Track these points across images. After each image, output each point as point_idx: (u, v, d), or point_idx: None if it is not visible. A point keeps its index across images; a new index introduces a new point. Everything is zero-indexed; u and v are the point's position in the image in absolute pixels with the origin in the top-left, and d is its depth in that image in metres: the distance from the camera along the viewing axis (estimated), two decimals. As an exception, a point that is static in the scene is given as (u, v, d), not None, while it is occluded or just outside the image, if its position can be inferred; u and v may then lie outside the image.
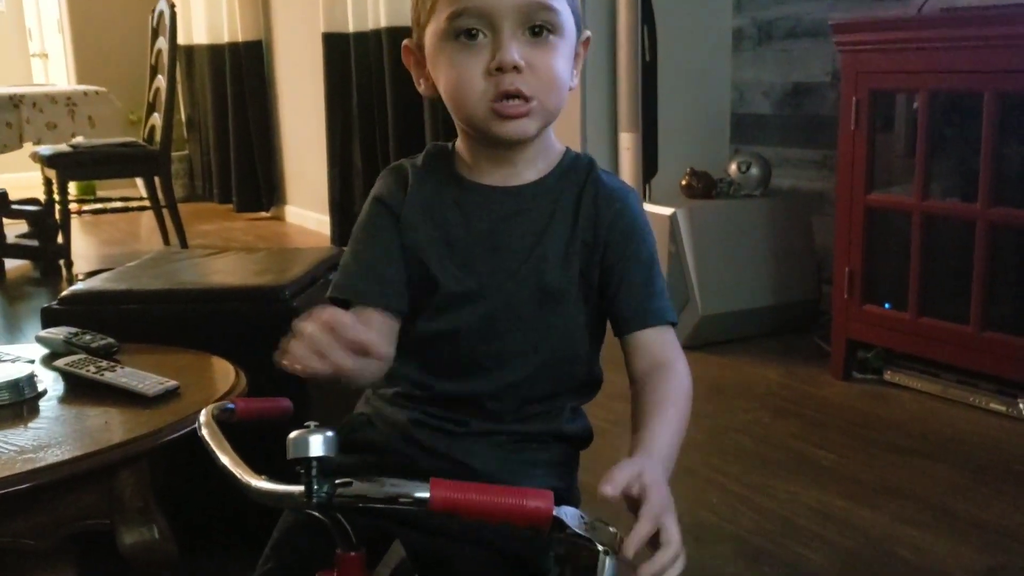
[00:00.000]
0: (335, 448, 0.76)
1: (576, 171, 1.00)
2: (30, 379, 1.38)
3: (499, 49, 0.89)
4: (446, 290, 0.97)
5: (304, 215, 5.33)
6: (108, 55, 6.24)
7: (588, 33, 0.99)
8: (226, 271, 1.96)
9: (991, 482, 2.07)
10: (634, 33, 3.10)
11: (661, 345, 0.96)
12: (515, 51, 0.89)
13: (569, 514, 0.71)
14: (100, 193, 5.82)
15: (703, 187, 3.02)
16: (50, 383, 1.43)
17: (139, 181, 5.56)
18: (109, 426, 1.28)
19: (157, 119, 4.50)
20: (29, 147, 4.23)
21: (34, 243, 4.31)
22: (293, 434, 0.76)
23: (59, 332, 1.58)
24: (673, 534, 0.74)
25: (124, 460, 1.23)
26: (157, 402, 1.33)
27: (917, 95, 2.44)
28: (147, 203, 4.72)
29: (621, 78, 3.17)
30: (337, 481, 0.75)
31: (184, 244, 4.47)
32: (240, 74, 5.52)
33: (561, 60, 0.92)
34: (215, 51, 5.66)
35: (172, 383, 1.37)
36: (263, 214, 5.65)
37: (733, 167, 3.06)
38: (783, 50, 3.33)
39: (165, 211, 4.57)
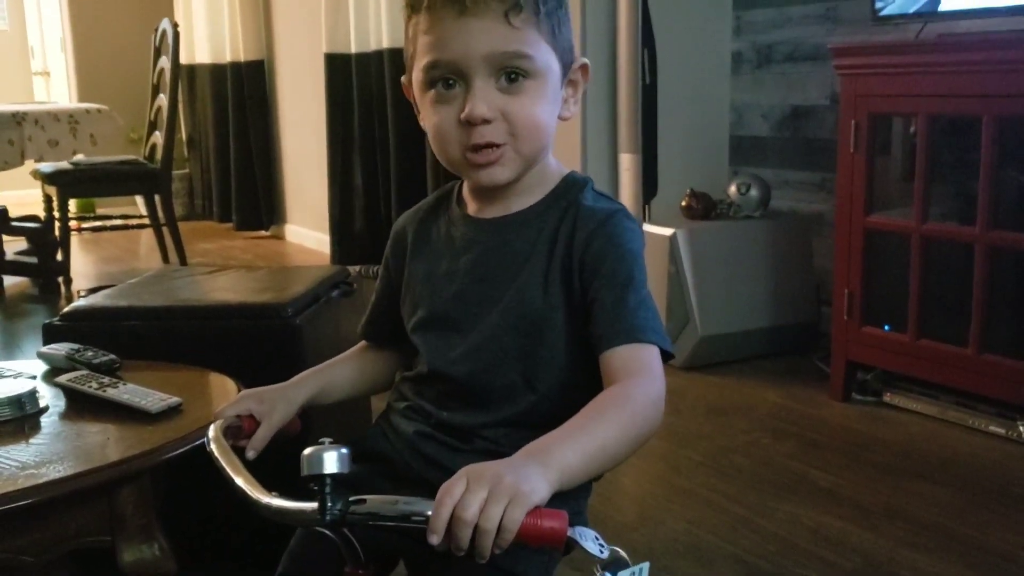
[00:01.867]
0: (349, 465, 0.76)
1: (566, 196, 0.99)
2: (32, 395, 1.38)
3: (469, 101, 0.91)
4: (434, 323, 1.01)
5: (304, 234, 5.34)
6: (110, 73, 6.27)
7: (584, 61, 1.00)
8: (228, 288, 1.96)
9: (991, 505, 2.07)
10: (634, 56, 3.13)
11: (627, 364, 0.89)
12: (483, 103, 0.91)
13: (584, 535, 0.71)
14: (100, 211, 5.83)
15: (703, 208, 3.04)
16: (52, 399, 1.42)
17: (139, 199, 5.58)
18: (110, 443, 1.27)
19: (158, 137, 4.52)
20: (30, 164, 4.25)
21: (33, 260, 4.31)
22: (307, 451, 0.77)
23: (61, 348, 1.58)
24: (450, 489, 0.70)
25: (125, 477, 1.22)
26: (159, 419, 1.33)
27: (915, 119, 2.46)
28: (147, 221, 4.73)
29: (621, 100, 3.19)
30: (351, 499, 0.75)
31: (184, 262, 4.48)
32: (242, 93, 5.54)
33: (538, 103, 0.93)
34: (217, 70, 5.69)
35: (175, 399, 1.37)
36: (263, 233, 5.66)
37: (733, 188, 3.07)
38: (782, 73, 3.36)
39: (165, 229, 4.58)
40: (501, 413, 0.97)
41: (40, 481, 1.15)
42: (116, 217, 5.04)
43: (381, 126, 4.20)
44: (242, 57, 5.50)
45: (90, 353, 1.55)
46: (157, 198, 4.50)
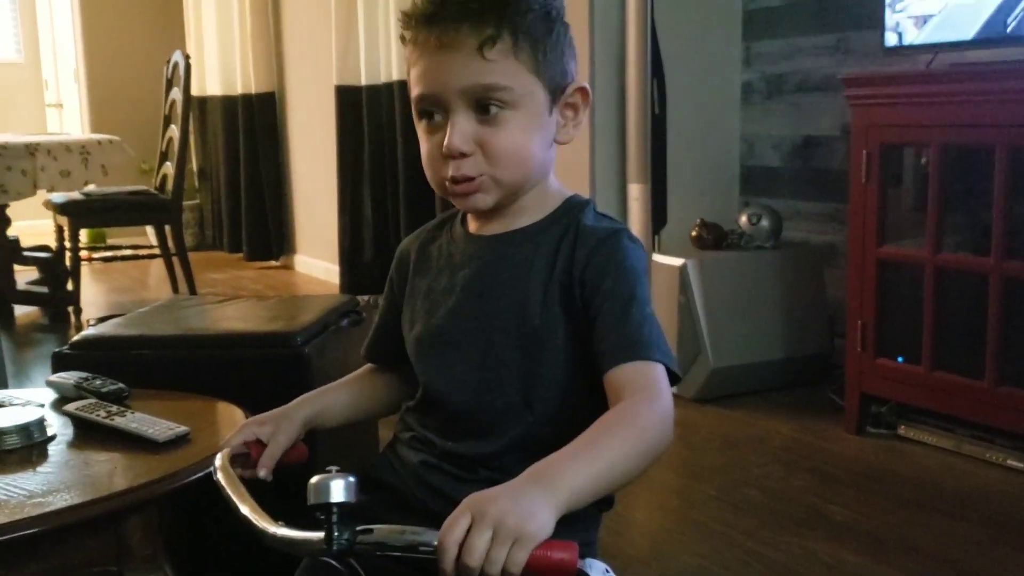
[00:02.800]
0: (356, 494, 0.75)
1: (567, 216, 1.00)
2: (40, 423, 1.37)
3: (447, 134, 0.94)
4: (431, 339, 1.02)
5: (313, 264, 5.34)
6: (122, 105, 6.32)
7: (582, 84, 1.00)
8: (237, 317, 1.96)
9: (1009, 540, 2.03)
10: (643, 86, 3.13)
11: (633, 381, 0.87)
12: (459, 137, 0.93)
13: (594, 567, 0.69)
14: (110, 241, 5.85)
15: (714, 238, 3.02)
16: (60, 427, 1.41)
17: (149, 229, 5.60)
18: (118, 472, 1.26)
19: (169, 168, 4.54)
20: (42, 194, 4.27)
21: (44, 290, 4.32)
22: (314, 479, 0.76)
23: (69, 377, 1.57)
24: (453, 528, 0.70)
25: (132, 506, 1.21)
26: (167, 448, 1.32)
27: (928, 149, 2.45)
28: (157, 251, 4.74)
29: (630, 130, 3.19)
30: (359, 528, 0.74)
31: (193, 292, 4.48)
32: (252, 125, 5.58)
33: (519, 133, 0.94)
34: (228, 102, 5.73)
35: (183, 429, 1.35)
36: (273, 263, 5.67)
37: (744, 219, 3.06)
38: (793, 104, 3.36)
39: (175, 259, 4.59)
40: (504, 439, 0.96)
41: (47, 510, 1.13)
42: (126, 247, 5.05)
43: (391, 157, 4.21)
44: (253, 89, 5.54)
45: (98, 382, 1.54)
46: (168, 228, 4.52)
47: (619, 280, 0.93)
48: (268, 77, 5.53)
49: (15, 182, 3.89)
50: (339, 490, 0.75)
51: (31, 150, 3.96)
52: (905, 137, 2.54)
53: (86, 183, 4.19)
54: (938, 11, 2.49)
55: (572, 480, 0.75)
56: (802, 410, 2.87)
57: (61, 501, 1.16)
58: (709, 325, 2.89)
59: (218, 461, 0.97)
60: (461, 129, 0.93)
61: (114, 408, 1.42)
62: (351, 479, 0.76)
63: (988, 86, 2.30)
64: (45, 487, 1.20)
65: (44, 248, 4.57)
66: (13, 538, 1.09)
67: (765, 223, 3.04)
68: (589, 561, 0.70)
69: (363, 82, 4.32)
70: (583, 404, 0.93)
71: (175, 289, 4.70)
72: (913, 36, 2.56)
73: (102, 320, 1.93)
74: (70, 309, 4.23)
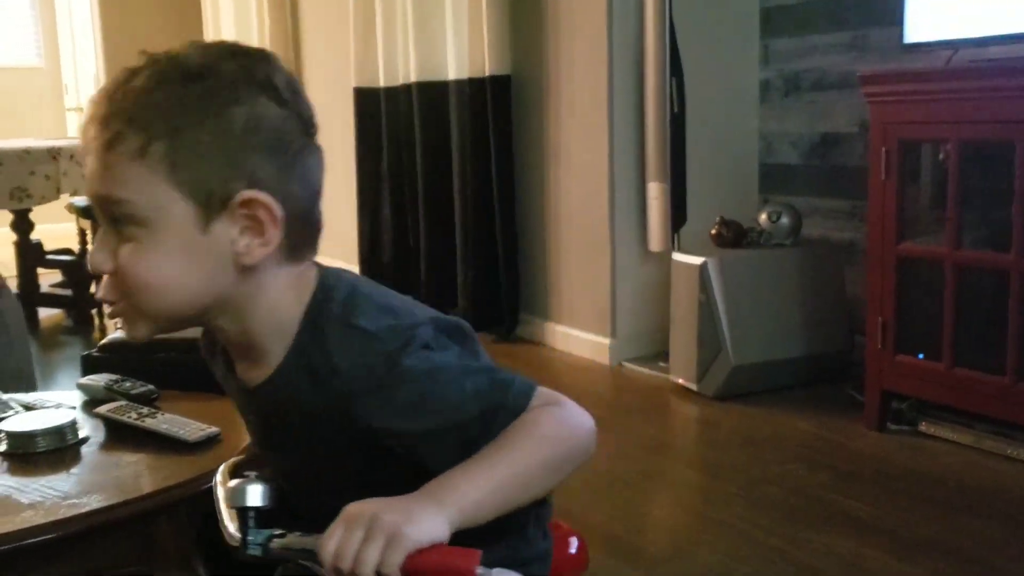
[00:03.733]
0: (270, 499, 0.78)
1: (309, 354, 0.82)
2: (72, 426, 1.40)
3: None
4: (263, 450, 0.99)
5: (333, 265, 5.37)
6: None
7: (250, 195, 0.77)
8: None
9: (1032, 536, 2.03)
10: (662, 85, 3.14)
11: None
12: (98, 253, 0.79)
13: None
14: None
15: (733, 236, 3.03)
16: (91, 429, 1.44)
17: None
18: (149, 473, 1.29)
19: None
20: (65, 198, 4.32)
21: (68, 292, 4.37)
22: (232, 483, 0.79)
23: (100, 379, 1.60)
24: (330, 535, 0.69)
25: (163, 507, 1.23)
26: (198, 448, 1.35)
27: (946, 145, 2.45)
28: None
29: (649, 129, 3.20)
30: (276, 533, 0.77)
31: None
32: (271, 127, 5.62)
33: (146, 256, 0.77)
34: (247, 105, 5.78)
35: (213, 429, 1.38)
36: (292, 264, 5.72)
37: (763, 216, 3.07)
38: (810, 101, 3.36)
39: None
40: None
41: (80, 511, 1.16)
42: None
43: (410, 159, 4.24)
44: (272, 92, 5.58)
45: (128, 384, 1.57)
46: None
47: (408, 421, 0.80)
48: (286, 79, 5.56)
49: (39, 186, 3.94)
50: (254, 495, 0.78)
51: (53, 154, 4.00)
52: (923, 134, 2.53)
53: (109, 187, 4.23)
54: (957, 7, 2.49)
55: (466, 493, 0.73)
56: (822, 407, 2.87)
57: (94, 502, 1.19)
58: (729, 323, 2.89)
59: (218, 476, 0.99)
60: (100, 242, 0.79)
61: (145, 410, 1.45)
62: (266, 486, 0.79)
63: (1008, 82, 2.29)
64: (78, 488, 1.23)
65: (67, 251, 4.62)
66: (47, 540, 1.12)
67: (785, 220, 3.04)
68: (497, 571, 0.68)
69: (381, 84, 4.34)
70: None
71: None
72: (932, 32, 2.55)
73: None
74: (94, 312, 4.28)
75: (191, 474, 1.26)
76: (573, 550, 1.11)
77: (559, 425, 0.80)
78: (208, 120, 0.76)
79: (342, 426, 0.82)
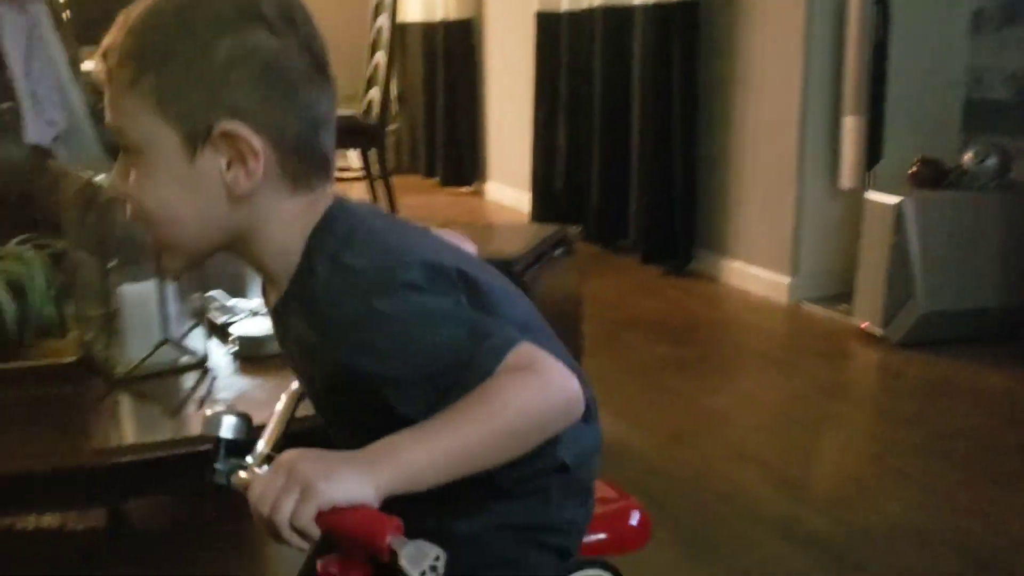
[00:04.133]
0: (244, 431, 0.80)
1: (300, 290, 0.82)
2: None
3: None
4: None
5: (502, 191, 5.44)
6: (327, 33, 6.55)
7: (225, 126, 0.78)
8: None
9: None
10: (865, 11, 2.96)
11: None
12: (113, 177, 0.83)
13: (415, 552, 0.66)
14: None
15: (933, 176, 2.85)
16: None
17: (351, 153, 5.85)
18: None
19: (375, 94, 4.70)
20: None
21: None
22: (208, 412, 0.81)
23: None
24: (259, 479, 0.71)
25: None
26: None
27: None
28: (359, 174, 4.96)
29: (848, 58, 3.03)
30: (242, 464, 0.80)
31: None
32: (451, 51, 5.68)
33: (151, 187, 0.80)
34: (428, 29, 5.85)
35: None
36: (465, 189, 5.82)
37: (968, 156, 2.87)
38: (1030, 32, 3.08)
39: (378, 183, 4.79)
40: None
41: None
42: (340, 169, 5.29)
43: (588, 87, 4.19)
44: (452, 16, 5.62)
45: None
46: (372, 153, 4.70)
47: (380, 364, 0.78)
48: (467, 3, 5.59)
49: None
50: (227, 427, 0.80)
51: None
52: None
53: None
54: None
55: (405, 460, 0.71)
56: (1020, 362, 2.70)
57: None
58: (923, 267, 2.75)
59: (282, 398, 0.98)
60: (115, 168, 0.82)
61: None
62: (240, 419, 0.80)
63: None
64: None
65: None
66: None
67: (992, 162, 2.83)
68: (414, 544, 0.66)
69: (564, 8, 4.30)
70: None
71: (376, 211, 4.92)
72: None
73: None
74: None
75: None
76: (633, 522, 1.05)
77: (524, 393, 0.75)
78: (193, 52, 0.78)
79: (325, 361, 0.82)
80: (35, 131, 2.14)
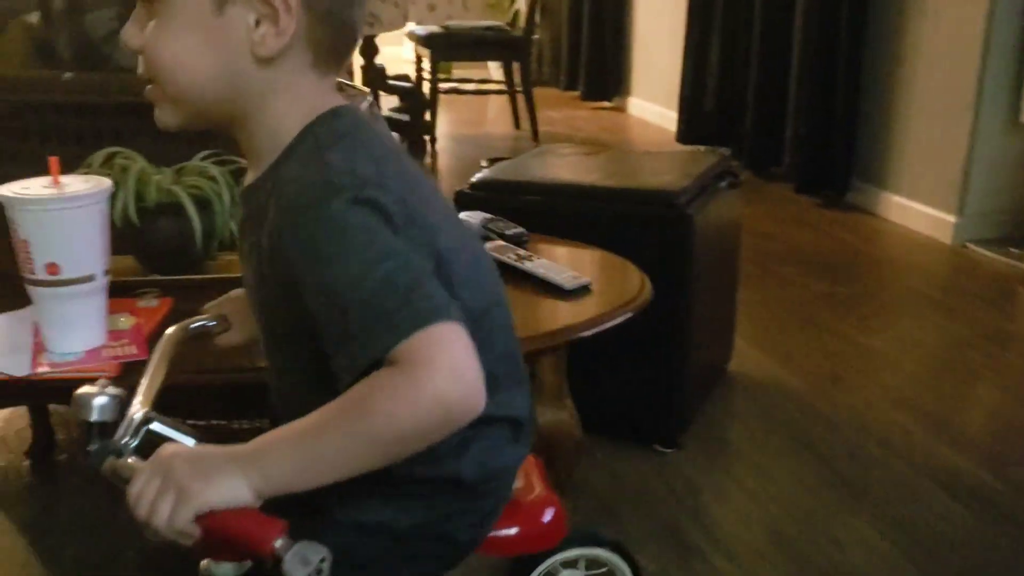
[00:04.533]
0: (115, 412, 0.76)
1: (277, 167, 0.80)
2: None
3: None
4: None
5: (647, 108, 5.31)
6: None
7: None
8: (617, 172, 2.00)
9: None
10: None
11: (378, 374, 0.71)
12: (130, 26, 0.79)
13: (298, 555, 0.65)
14: (456, 74, 6.14)
15: None
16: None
17: (491, 64, 5.79)
18: (538, 313, 1.37)
19: (522, 4, 4.63)
20: (410, 26, 4.53)
21: (405, 118, 4.66)
22: (80, 390, 0.76)
23: (475, 216, 1.70)
24: (137, 476, 0.69)
25: (547, 348, 1.32)
26: (572, 295, 1.41)
27: None
28: (498, 87, 4.92)
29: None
30: (114, 447, 0.76)
31: (535, 131, 4.64)
32: (599, -40, 5.51)
33: (166, 37, 0.77)
34: (576, -64, 5.69)
35: (585, 279, 1.43)
36: (606, 103, 5.71)
37: None
38: None
39: (518, 96, 4.74)
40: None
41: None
42: (475, 80, 5.27)
43: (747, 3, 4.00)
44: (603, -78, 5.44)
45: (502, 224, 1.66)
46: (515, 65, 4.65)
47: (310, 266, 0.73)
48: (619, -91, 5.39)
49: (388, 13, 4.15)
50: (98, 409, 0.76)
51: (402, -17, 4.19)
52: None
53: (449, 17, 4.39)
54: None
55: (273, 463, 0.70)
56: None
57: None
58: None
59: (166, 334, 0.95)
60: (133, 18, 0.79)
61: (522, 252, 1.53)
62: (111, 398, 0.76)
63: None
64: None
65: (404, 77, 4.89)
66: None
67: None
68: (301, 547, 0.65)
69: (725, -83, 4.09)
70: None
71: (516, 126, 4.89)
72: None
73: (492, 162, 2.06)
74: (427, 138, 4.55)
75: (571, 319, 1.33)
76: (546, 519, 0.97)
77: (391, 403, 0.69)
78: None
79: (269, 260, 0.78)
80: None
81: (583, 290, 1.42)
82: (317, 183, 0.74)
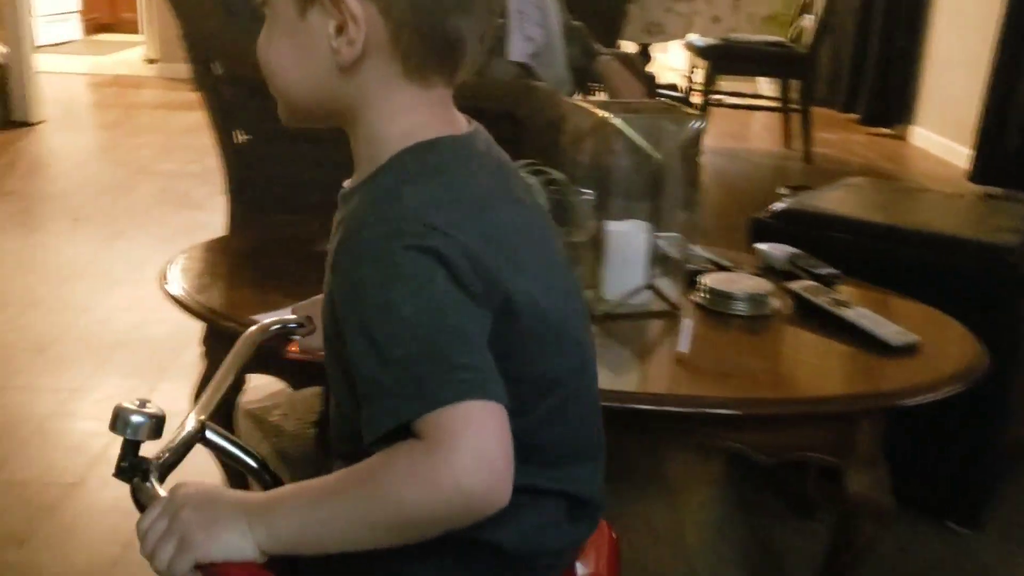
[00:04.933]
0: (149, 432, 0.74)
1: (363, 185, 0.75)
2: (766, 297, 1.42)
3: None
4: None
5: (931, 139, 4.93)
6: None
7: None
8: (943, 216, 1.83)
9: None
10: None
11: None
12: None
13: None
14: (723, 87, 5.98)
15: None
16: (777, 302, 1.45)
17: (761, 80, 5.59)
18: (859, 370, 1.27)
19: (808, 21, 4.43)
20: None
21: (672, 128, 4.59)
22: (119, 405, 0.75)
23: (780, 249, 1.60)
24: (146, 514, 0.70)
25: (866, 410, 1.21)
26: (898, 353, 1.29)
27: None
28: (771, 103, 4.73)
29: None
30: (145, 466, 0.75)
31: (808, 153, 4.43)
32: (896, -22, 5.18)
33: (267, 36, 0.77)
34: (873, -50, 5.37)
35: (913, 337, 1.31)
36: (885, 130, 5.36)
37: None
38: None
39: (793, 115, 4.55)
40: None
41: (816, 395, 1.17)
42: (747, 95, 5.10)
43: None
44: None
45: (812, 261, 1.55)
46: (793, 82, 4.46)
47: (348, 303, 0.70)
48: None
49: (672, 23, 4.10)
50: (132, 428, 0.74)
51: (689, -8, 4.12)
52: None
53: (732, 31, 4.27)
54: None
55: (281, 521, 0.68)
56: None
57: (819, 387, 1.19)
58: None
59: (251, 329, 0.93)
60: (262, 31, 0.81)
61: (840, 296, 1.42)
62: (149, 419, 0.74)
63: None
64: (790, 366, 1.25)
65: (672, 87, 4.82)
66: (778, 414, 1.15)
67: None
68: None
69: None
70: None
71: (787, 145, 4.69)
72: None
73: (793, 190, 1.95)
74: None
75: (900, 383, 1.22)
76: None
77: (405, 487, 0.65)
78: None
79: (330, 268, 0.74)
80: (517, 48, 2.22)
81: (909, 349, 1.30)
82: (383, 219, 0.70)
